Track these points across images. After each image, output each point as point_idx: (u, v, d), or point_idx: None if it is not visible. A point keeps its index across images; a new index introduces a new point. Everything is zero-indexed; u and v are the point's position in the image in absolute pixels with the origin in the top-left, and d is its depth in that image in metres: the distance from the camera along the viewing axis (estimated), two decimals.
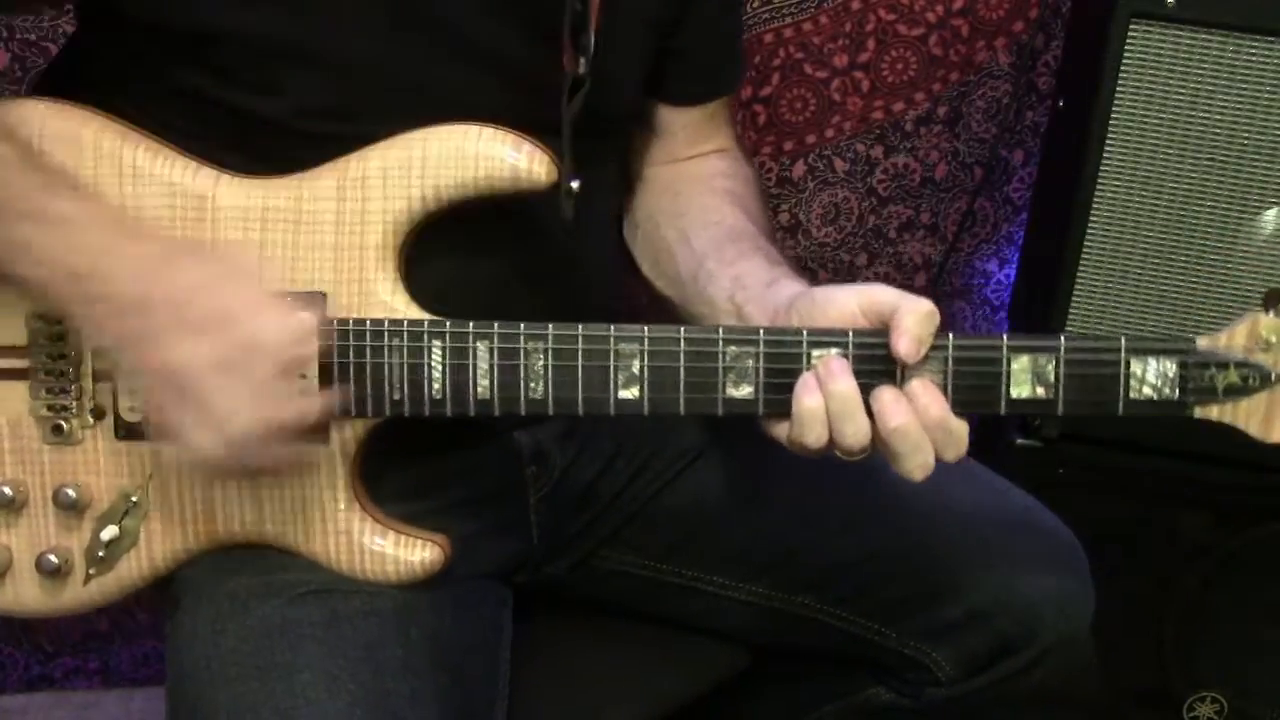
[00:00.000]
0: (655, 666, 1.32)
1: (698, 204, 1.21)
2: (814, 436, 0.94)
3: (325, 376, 1.02)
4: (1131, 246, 1.53)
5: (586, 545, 1.27)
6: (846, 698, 1.29)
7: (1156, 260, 1.53)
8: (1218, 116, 1.47)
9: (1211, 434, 1.55)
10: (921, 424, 0.94)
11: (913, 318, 0.94)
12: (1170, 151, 1.49)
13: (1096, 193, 1.51)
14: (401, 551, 1.06)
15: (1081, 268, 1.54)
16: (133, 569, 1.08)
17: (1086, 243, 1.53)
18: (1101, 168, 1.50)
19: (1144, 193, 1.51)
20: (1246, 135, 1.47)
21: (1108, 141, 1.49)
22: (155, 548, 1.08)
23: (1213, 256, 1.51)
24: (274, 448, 0.96)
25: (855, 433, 0.94)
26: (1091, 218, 1.52)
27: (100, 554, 1.07)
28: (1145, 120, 1.48)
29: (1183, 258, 1.52)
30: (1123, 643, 1.62)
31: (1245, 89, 1.46)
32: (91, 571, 1.08)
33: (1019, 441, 1.62)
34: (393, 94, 1.04)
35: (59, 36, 1.57)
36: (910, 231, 1.88)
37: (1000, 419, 1.69)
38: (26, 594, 1.09)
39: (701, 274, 1.13)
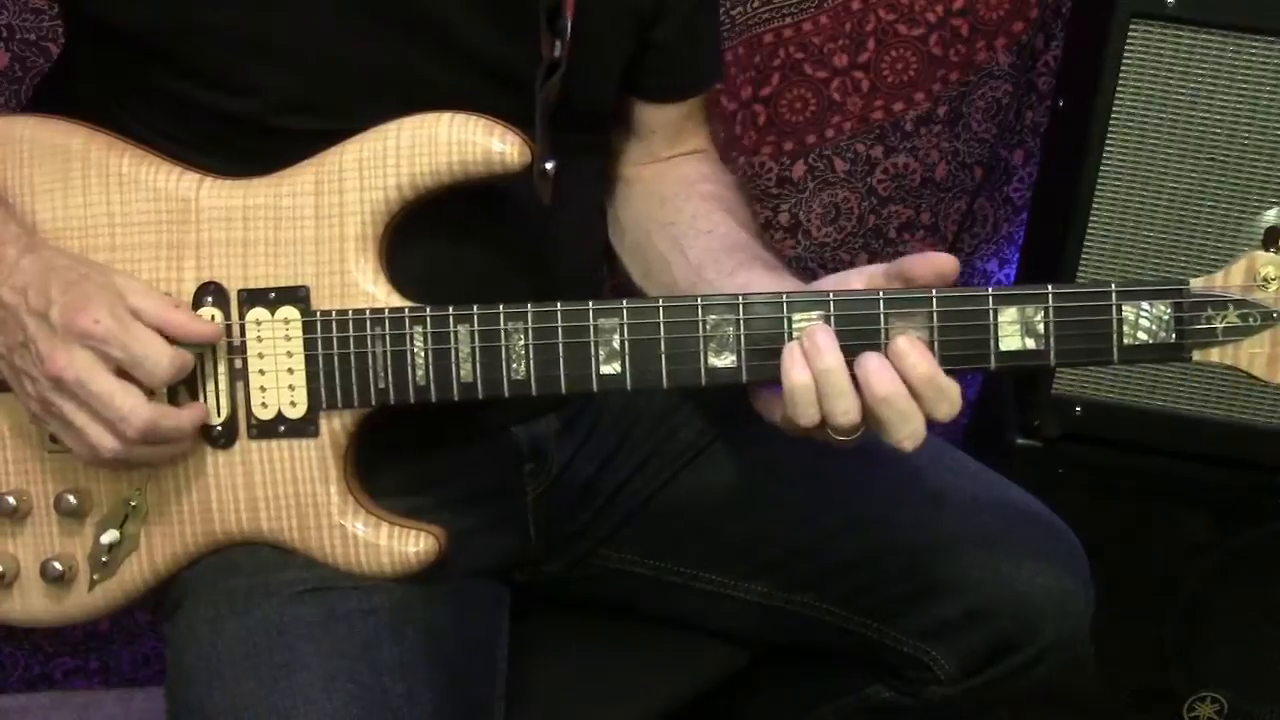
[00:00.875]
0: (654, 666, 1.32)
1: (687, 211, 1.21)
2: (807, 417, 0.94)
3: (311, 369, 1.03)
4: (1131, 246, 1.52)
5: (585, 544, 1.27)
6: (846, 696, 1.29)
7: (1157, 260, 1.52)
8: (1218, 116, 1.47)
9: (1212, 434, 1.56)
10: (910, 383, 0.93)
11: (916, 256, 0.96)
12: (1170, 151, 1.49)
13: (1096, 193, 1.51)
14: (396, 543, 1.06)
15: (1081, 268, 1.53)
16: (135, 574, 1.08)
17: (1086, 243, 1.53)
18: (1101, 168, 1.50)
19: (1144, 193, 1.51)
20: (1246, 135, 1.47)
21: (1108, 141, 1.49)
22: (156, 551, 1.08)
23: (1213, 256, 1.51)
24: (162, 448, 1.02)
25: (846, 411, 0.93)
26: (1091, 218, 1.52)
27: (103, 559, 1.07)
28: (1145, 120, 1.48)
29: (1183, 258, 1.52)
30: (1123, 643, 1.62)
31: (1245, 89, 1.46)
32: (95, 578, 1.08)
33: (1019, 441, 1.62)
34: (370, 88, 1.05)
35: (59, 36, 1.57)
36: (910, 231, 1.88)
37: (1000, 418, 1.69)
38: (35, 603, 1.10)
39: (701, 285, 1.13)
